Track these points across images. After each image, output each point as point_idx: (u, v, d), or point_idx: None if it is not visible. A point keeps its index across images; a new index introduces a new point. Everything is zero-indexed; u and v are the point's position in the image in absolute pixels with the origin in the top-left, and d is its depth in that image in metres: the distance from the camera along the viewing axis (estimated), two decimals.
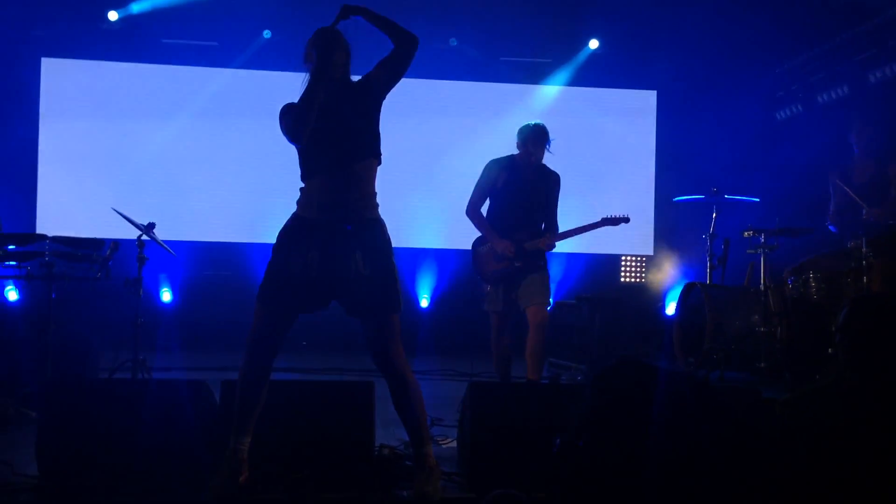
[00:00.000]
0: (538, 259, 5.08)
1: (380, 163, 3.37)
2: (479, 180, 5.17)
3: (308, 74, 3.26)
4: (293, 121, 3.22)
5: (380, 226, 3.33)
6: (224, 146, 8.33)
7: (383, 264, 3.28)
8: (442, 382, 6.21)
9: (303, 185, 3.35)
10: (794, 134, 7.94)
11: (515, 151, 5.14)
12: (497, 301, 5.05)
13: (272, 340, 3.27)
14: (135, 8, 7.74)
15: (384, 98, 3.39)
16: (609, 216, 5.26)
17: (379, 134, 3.38)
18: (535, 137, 5.05)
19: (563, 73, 8.81)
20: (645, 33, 8.34)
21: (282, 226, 3.35)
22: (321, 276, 3.23)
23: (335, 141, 3.26)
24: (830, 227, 5.95)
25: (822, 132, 7.22)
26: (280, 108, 3.32)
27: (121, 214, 5.14)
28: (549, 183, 5.17)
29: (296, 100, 3.27)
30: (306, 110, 3.19)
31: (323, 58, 3.20)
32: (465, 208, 5.20)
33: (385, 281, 3.27)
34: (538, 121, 5.16)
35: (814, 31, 7.57)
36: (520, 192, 5.07)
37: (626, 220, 5.28)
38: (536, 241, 5.03)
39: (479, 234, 5.20)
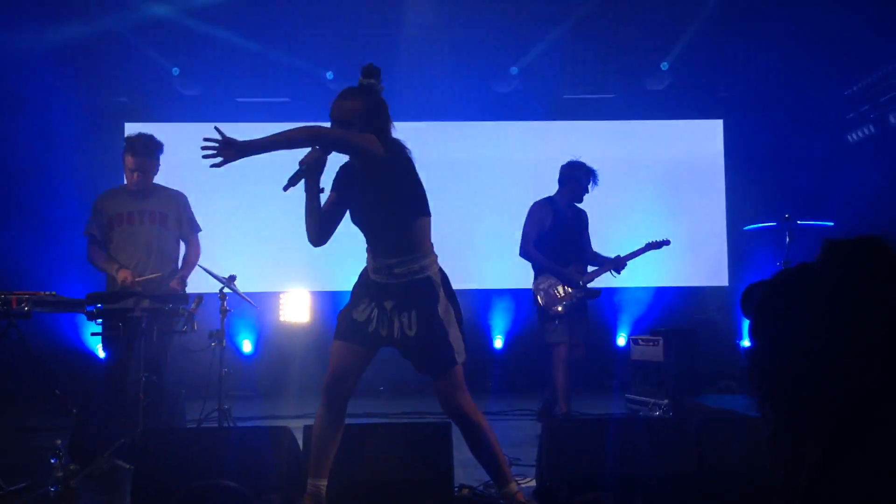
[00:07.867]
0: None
1: (426, 216, 3.34)
2: (527, 222, 5.66)
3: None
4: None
5: (428, 285, 3.27)
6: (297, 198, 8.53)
7: (431, 325, 3.22)
8: (518, 422, 6.21)
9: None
10: (867, 155, 7.78)
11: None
12: (565, 332, 5.58)
13: (348, 381, 3.31)
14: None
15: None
16: (652, 241, 5.87)
17: (411, 193, 3.31)
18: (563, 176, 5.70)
19: (628, 108, 8.80)
20: (708, 62, 8.31)
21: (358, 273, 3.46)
22: (377, 331, 3.29)
23: (366, 221, 3.39)
24: None
25: None
26: None
27: (204, 269, 5.36)
28: (583, 220, 5.75)
29: None
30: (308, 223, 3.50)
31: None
32: (519, 251, 5.69)
33: (435, 342, 3.22)
34: (574, 159, 5.68)
35: (882, 51, 7.45)
36: (566, 230, 5.62)
37: (668, 242, 5.91)
38: (593, 273, 5.68)
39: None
